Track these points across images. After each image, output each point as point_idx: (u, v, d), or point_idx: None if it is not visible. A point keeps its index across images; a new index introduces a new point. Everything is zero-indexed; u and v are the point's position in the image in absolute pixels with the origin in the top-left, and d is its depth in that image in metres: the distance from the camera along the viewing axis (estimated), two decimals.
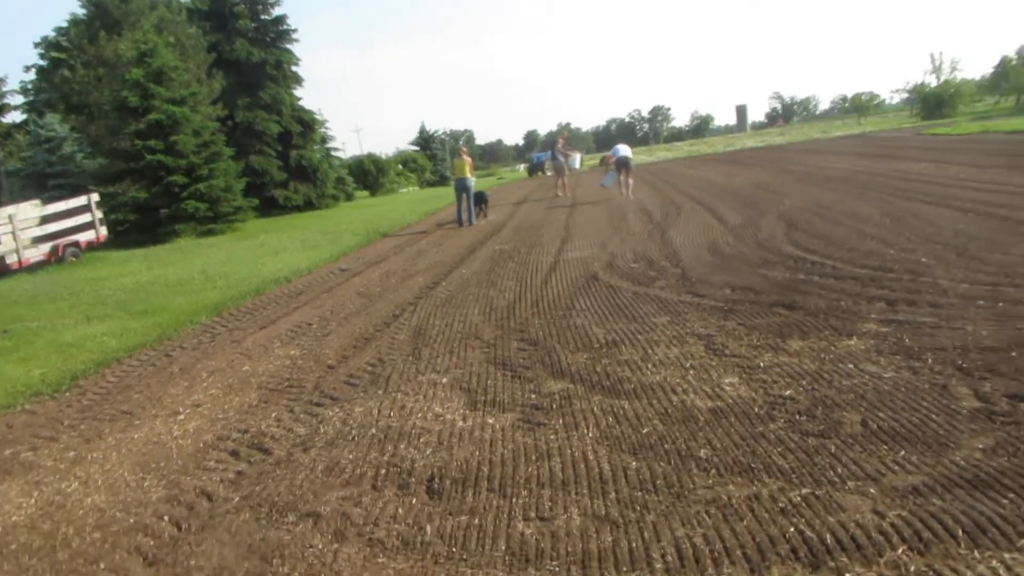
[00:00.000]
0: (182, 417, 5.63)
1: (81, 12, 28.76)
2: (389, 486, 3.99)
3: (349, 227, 21.38)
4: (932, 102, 61.60)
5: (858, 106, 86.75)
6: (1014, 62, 65.13)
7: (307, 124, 37.60)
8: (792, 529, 3.12)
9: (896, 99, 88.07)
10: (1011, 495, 3.18)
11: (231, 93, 32.71)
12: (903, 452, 3.69)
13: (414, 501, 3.80)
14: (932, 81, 68.60)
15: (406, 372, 6.11)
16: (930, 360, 4.89)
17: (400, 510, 3.71)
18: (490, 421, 4.77)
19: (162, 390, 6.48)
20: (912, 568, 2.79)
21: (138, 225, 23.46)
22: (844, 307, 6.47)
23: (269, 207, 33.62)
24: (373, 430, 4.82)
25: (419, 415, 5.02)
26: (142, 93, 23.12)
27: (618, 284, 8.76)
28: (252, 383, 6.37)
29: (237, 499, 4.06)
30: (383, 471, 4.18)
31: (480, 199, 19.65)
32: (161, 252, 19.70)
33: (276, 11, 37.26)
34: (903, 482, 3.40)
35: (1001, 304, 5.94)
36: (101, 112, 25.56)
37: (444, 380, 5.77)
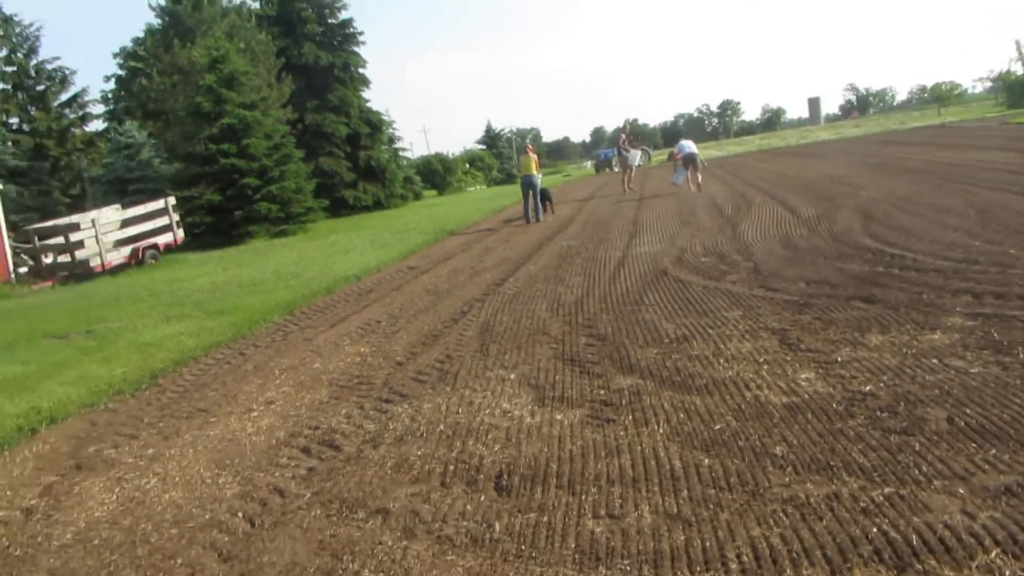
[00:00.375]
0: (256, 414, 5.72)
1: (156, 22, 29.75)
2: (457, 483, 3.97)
3: (417, 226, 21.57)
4: (1019, 90, 58.95)
5: (938, 96, 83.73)
6: None
7: (375, 125, 38.11)
8: (875, 530, 2.98)
9: (979, 88, 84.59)
10: None
11: (300, 96, 33.35)
12: (994, 451, 3.50)
13: (482, 498, 3.76)
14: (1018, 69, 65.79)
15: (474, 368, 6.09)
16: (1021, 355, 4.65)
17: (468, 507, 3.68)
18: (558, 417, 4.71)
19: (237, 388, 6.60)
20: (1007, 572, 2.64)
21: (213, 227, 24.14)
22: (926, 300, 6.22)
23: (339, 207, 34.17)
24: (441, 426, 4.81)
25: (487, 411, 4.99)
26: (215, 98, 23.77)
27: (688, 279, 8.60)
28: (323, 380, 6.44)
29: (308, 495, 4.09)
30: (451, 467, 4.16)
31: (544, 196, 19.33)
32: (236, 253, 20.20)
33: (343, 15, 37.94)
34: (995, 482, 3.22)
35: None
36: (176, 118, 26.44)
37: (512, 376, 5.73)
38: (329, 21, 37.54)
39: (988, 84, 74.61)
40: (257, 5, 36.72)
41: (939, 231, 9.23)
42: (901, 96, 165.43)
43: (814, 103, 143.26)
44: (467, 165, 57.56)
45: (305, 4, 36.55)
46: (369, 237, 19.76)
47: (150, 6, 29.34)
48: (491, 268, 11.57)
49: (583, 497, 3.61)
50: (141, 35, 31.68)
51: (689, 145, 20.69)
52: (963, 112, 65.36)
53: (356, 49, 38.25)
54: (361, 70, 38.53)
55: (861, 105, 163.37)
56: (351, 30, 38.05)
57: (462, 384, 5.69)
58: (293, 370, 6.94)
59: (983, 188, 12.48)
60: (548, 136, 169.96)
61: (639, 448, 4.07)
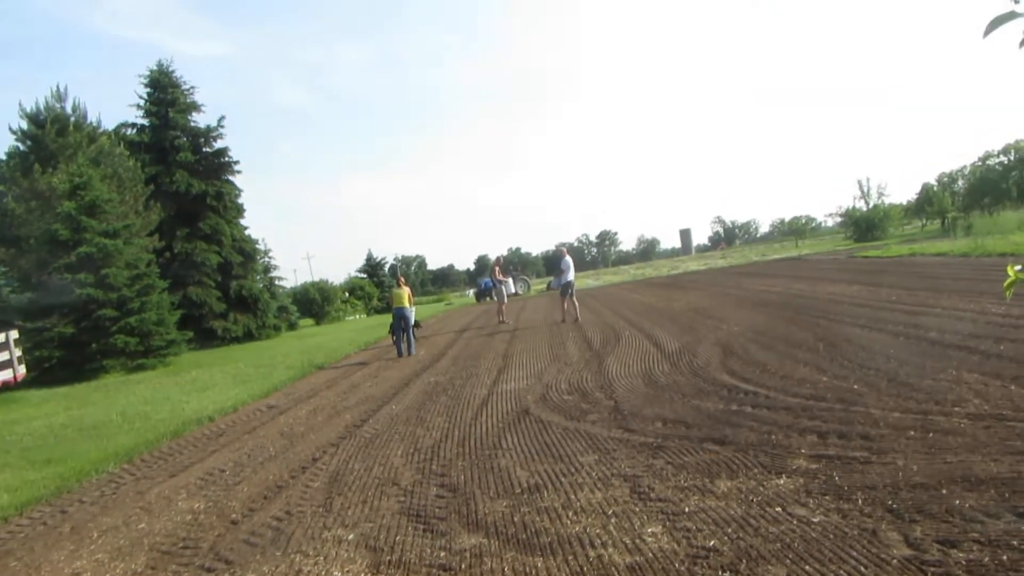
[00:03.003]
0: None
1: (19, 146, 28.50)
2: None
3: (286, 359, 20.82)
4: (863, 225, 64.24)
5: (795, 229, 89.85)
6: (935, 188, 68.75)
7: (248, 254, 37.45)
8: None
9: (830, 222, 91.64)
10: None
11: (170, 224, 32.60)
12: None
13: None
14: (862, 205, 72.02)
15: (312, 528, 5.63)
16: (860, 501, 4.65)
17: None
18: None
19: (44, 556, 5.88)
20: None
21: (64, 361, 22.52)
22: (775, 441, 6.26)
23: (208, 338, 32.91)
24: None
25: None
26: (73, 226, 22.76)
27: (549, 419, 8.46)
28: (144, 544, 5.82)
29: None
30: None
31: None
32: (84, 391, 18.84)
33: (218, 144, 37.73)
34: None
35: (931, 435, 5.79)
36: (30, 245, 25.03)
37: (351, 537, 5.31)
38: (204, 150, 37.25)
39: (838, 219, 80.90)
40: (133, 131, 36.14)
41: (791, 366, 9.50)
42: (764, 228, 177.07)
43: (685, 234, 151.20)
44: (346, 294, 56.96)
45: (179, 132, 36.25)
46: (232, 372, 18.91)
47: (11, 130, 28.24)
48: (353, 407, 11.13)
49: None
50: (3, 157, 30.31)
51: (570, 267, 20.90)
52: (817, 245, 70.12)
53: (231, 178, 37.96)
54: (237, 199, 38.07)
55: (728, 236, 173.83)
56: (226, 159, 37.82)
57: (295, 547, 5.22)
58: (114, 532, 6.27)
59: (832, 321, 13.09)
60: (433, 263, 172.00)
61: None
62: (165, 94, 36.18)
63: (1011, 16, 1.50)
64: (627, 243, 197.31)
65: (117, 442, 10.24)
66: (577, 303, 21.09)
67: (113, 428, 11.64)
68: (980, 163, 65.73)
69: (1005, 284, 1.88)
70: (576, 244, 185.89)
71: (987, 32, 1.56)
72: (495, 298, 28.55)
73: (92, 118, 30.53)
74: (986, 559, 3.69)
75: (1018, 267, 1.82)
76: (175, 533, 6.01)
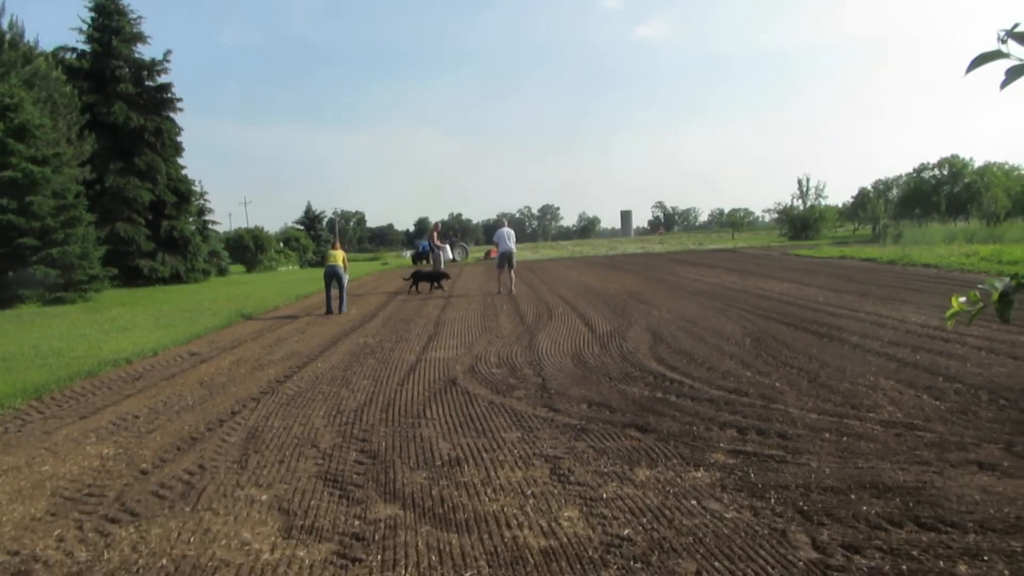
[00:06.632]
0: None
1: None
2: None
3: (212, 306, 20.34)
4: (799, 224, 65.91)
5: (733, 222, 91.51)
6: (871, 194, 70.71)
7: (183, 195, 36.36)
8: None
9: (767, 218, 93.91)
10: None
11: (103, 157, 31.37)
12: None
13: None
14: (800, 204, 73.82)
15: (225, 484, 5.50)
16: (772, 500, 4.75)
17: None
18: (300, 554, 4.24)
19: None
20: None
21: None
22: (696, 433, 6.35)
23: (133, 277, 31.97)
24: (164, 560, 4.20)
25: (223, 542, 4.43)
26: None
27: (476, 391, 8.43)
28: (46, 488, 5.61)
29: None
30: None
31: (441, 275, 22.71)
32: None
33: (162, 78, 36.37)
34: None
35: (845, 439, 5.95)
36: None
37: (264, 497, 5.20)
38: (146, 83, 35.88)
39: (775, 215, 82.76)
40: (73, 56, 34.59)
41: (717, 358, 9.65)
42: (703, 217, 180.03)
43: (626, 216, 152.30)
44: (281, 244, 55.91)
45: (122, 63, 34.81)
46: (156, 314, 18.38)
47: None
48: (278, 362, 10.93)
49: None
50: None
51: (509, 237, 20.85)
52: (753, 239, 71.59)
53: (172, 115, 36.63)
54: (176, 137, 36.82)
55: (668, 222, 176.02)
56: (169, 95, 36.48)
57: (206, 504, 5.09)
58: (16, 473, 6.04)
59: (760, 317, 13.35)
60: (373, 221, 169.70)
61: None
62: (110, 20, 34.62)
63: (997, 55, 1.47)
64: (568, 219, 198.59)
65: (27, 377, 9.86)
66: (514, 276, 21.09)
67: (24, 362, 11.21)
68: (915, 174, 67.70)
69: (948, 313, 1.88)
70: (518, 216, 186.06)
71: (969, 69, 1.54)
72: (431, 262, 28.40)
73: (29, 37, 29.16)
74: (887, 567, 3.80)
75: (962, 298, 1.82)
76: (80, 479, 5.81)
